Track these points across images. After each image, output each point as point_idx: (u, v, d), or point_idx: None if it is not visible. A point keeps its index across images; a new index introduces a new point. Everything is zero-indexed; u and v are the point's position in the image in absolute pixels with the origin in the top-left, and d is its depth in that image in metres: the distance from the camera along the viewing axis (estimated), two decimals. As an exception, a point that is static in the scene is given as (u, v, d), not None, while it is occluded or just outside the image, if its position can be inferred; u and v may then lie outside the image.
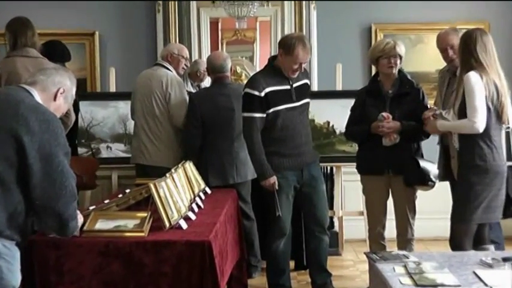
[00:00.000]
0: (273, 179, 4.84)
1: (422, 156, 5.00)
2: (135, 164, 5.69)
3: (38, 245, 3.47)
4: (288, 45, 4.78)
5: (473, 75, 4.31)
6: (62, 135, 3.08)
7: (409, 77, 5.07)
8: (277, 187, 4.86)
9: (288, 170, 4.93)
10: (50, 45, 5.75)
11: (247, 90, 4.86)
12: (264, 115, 4.83)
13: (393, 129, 4.87)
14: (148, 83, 5.58)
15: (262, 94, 4.80)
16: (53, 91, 3.23)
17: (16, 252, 3.10)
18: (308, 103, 5.08)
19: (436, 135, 5.01)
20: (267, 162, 4.83)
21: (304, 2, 6.89)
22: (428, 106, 5.04)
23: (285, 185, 4.92)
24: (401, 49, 4.95)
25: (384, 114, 4.88)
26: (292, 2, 6.93)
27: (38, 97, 3.16)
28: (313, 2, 6.88)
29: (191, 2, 6.96)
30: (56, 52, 5.72)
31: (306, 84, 5.08)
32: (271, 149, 4.88)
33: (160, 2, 6.86)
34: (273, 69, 4.92)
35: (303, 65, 4.88)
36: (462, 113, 4.38)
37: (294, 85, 4.92)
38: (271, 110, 4.83)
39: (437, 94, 5.40)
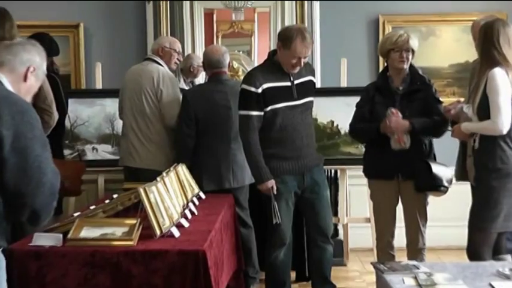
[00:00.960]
0: (271, 183, 4.83)
1: (435, 159, 5.00)
2: (124, 166, 5.68)
3: (17, 255, 3.46)
4: (286, 37, 4.78)
5: (498, 72, 4.32)
6: (37, 126, 3.00)
7: (420, 72, 5.07)
8: (275, 192, 4.85)
9: (288, 174, 4.92)
10: (36, 38, 5.69)
11: (244, 86, 4.87)
12: (262, 113, 4.83)
13: (401, 127, 4.86)
14: (138, 79, 5.57)
15: (259, 90, 4.80)
16: (22, 71, 3.17)
17: (2, 261, 3.06)
18: (311, 102, 5.07)
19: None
20: (265, 165, 4.83)
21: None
22: (440, 100, 5.04)
23: (284, 190, 4.91)
24: (414, 43, 4.95)
25: (393, 109, 4.87)
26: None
27: (6, 81, 3.09)
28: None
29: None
30: (42, 46, 5.70)
31: (310, 81, 5.07)
32: (270, 151, 4.87)
33: (151, -8, 6.87)
34: (273, 64, 4.92)
35: (303, 60, 4.86)
36: (481, 111, 4.39)
37: (296, 82, 4.92)
38: (269, 108, 4.83)
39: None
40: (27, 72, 3.19)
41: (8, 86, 3.10)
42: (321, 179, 5.14)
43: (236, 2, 6.71)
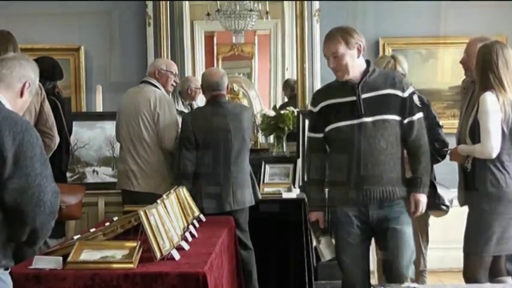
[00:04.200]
0: (314, 216, 4.44)
1: (435, 179, 5.03)
2: (122, 190, 5.67)
3: (17, 278, 3.44)
4: None
5: (489, 96, 4.34)
6: (37, 144, 3.01)
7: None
8: (321, 226, 4.42)
9: (347, 204, 4.30)
10: (39, 62, 5.69)
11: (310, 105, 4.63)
12: (319, 135, 4.39)
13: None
14: (135, 103, 5.57)
15: (317, 109, 4.39)
16: (19, 87, 3.19)
17: (10, 285, 3.09)
18: (388, 121, 4.25)
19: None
20: (316, 194, 4.46)
21: (306, 14, 6.93)
22: (440, 123, 5.06)
23: (344, 220, 4.31)
24: (403, 67, 4.98)
25: None
26: (293, 14, 6.97)
27: (3, 99, 3.11)
28: (316, 15, 6.92)
29: (184, 14, 7.00)
30: (44, 69, 5.70)
31: (389, 95, 4.29)
32: (330, 178, 4.41)
33: (151, 15, 6.89)
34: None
35: (335, 59, 4.30)
36: (472, 133, 4.42)
37: (364, 96, 4.25)
38: (328, 128, 4.33)
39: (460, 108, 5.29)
40: (23, 88, 3.21)
41: (6, 104, 3.11)
42: (394, 213, 4.27)
43: (236, 24, 6.74)
